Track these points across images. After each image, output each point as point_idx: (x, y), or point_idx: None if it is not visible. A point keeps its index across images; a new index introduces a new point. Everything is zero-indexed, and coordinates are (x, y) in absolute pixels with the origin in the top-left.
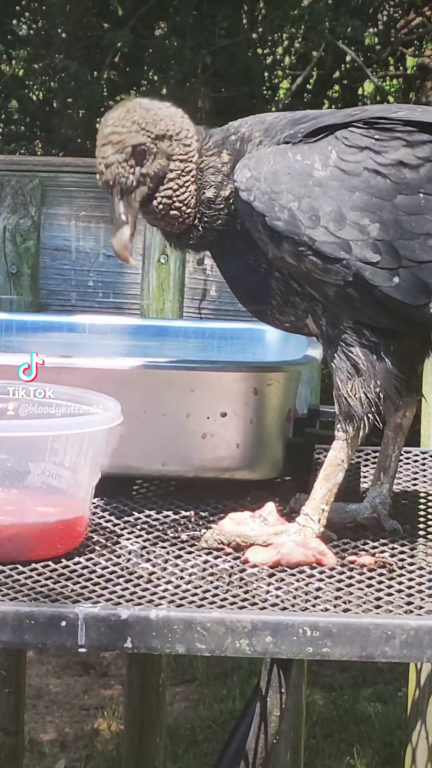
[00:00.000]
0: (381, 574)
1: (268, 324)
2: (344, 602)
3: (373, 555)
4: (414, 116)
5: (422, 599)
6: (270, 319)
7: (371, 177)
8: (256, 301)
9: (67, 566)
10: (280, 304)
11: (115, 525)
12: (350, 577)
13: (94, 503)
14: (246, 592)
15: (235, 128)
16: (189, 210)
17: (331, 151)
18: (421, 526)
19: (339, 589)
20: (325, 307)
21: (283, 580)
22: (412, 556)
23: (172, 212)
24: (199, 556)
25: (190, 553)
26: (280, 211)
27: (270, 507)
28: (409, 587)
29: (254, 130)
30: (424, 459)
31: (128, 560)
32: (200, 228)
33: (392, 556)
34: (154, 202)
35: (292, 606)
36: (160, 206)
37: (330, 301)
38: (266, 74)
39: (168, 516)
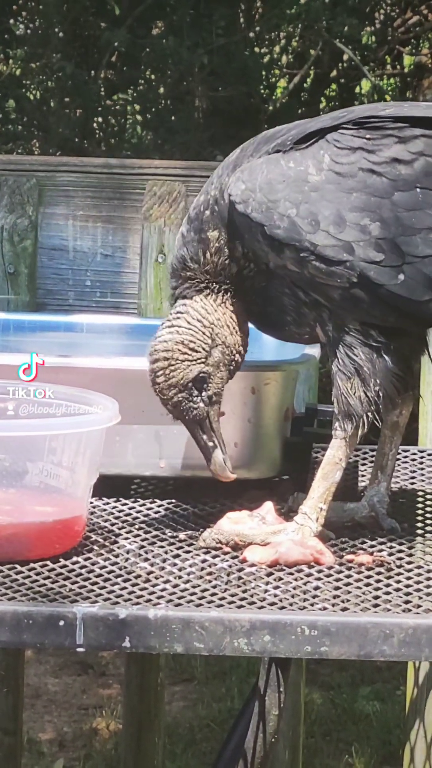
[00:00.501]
0: (379, 573)
1: (289, 341)
2: (342, 601)
3: (371, 554)
4: (402, 112)
5: (420, 598)
6: (289, 335)
7: (367, 177)
8: (276, 325)
9: (65, 566)
10: (294, 318)
11: (113, 524)
12: (348, 576)
13: (92, 503)
14: (244, 592)
15: (203, 200)
16: (240, 327)
17: (324, 154)
18: (419, 524)
19: (337, 588)
20: (332, 311)
21: (281, 579)
22: (410, 555)
23: (240, 350)
24: (198, 555)
25: (188, 552)
26: (279, 220)
27: (268, 506)
28: (407, 586)
29: (223, 175)
30: (422, 458)
31: (126, 560)
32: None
33: (390, 554)
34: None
35: (291, 605)
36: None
37: (336, 305)
38: (263, 73)
39: (166, 515)
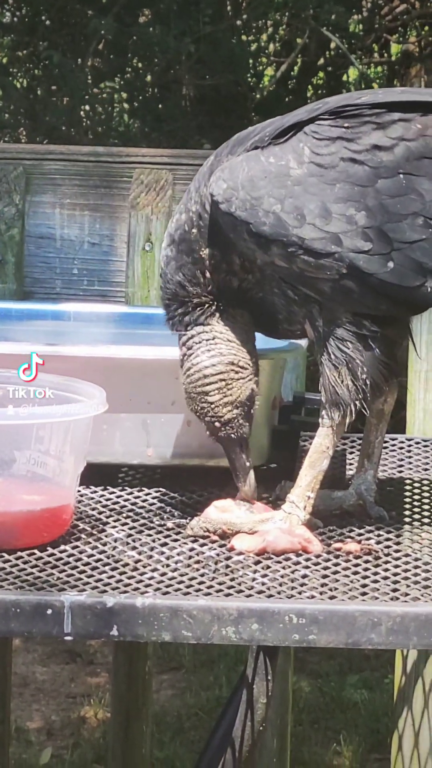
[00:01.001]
0: (367, 561)
1: (282, 338)
2: (330, 589)
3: (359, 542)
4: (378, 98)
5: (408, 586)
6: (282, 333)
7: (348, 166)
8: (270, 325)
9: (52, 554)
10: (285, 317)
11: (100, 513)
12: (336, 564)
13: (79, 491)
14: (232, 580)
15: (185, 219)
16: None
17: (304, 147)
18: (407, 512)
19: (325, 577)
20: (322, 305)
21: (269, 567)
22: (398, 543)
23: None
24: (185, 543)
25: (176, 540)
26: (264, 216)
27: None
28: (395, 574)
29: (201, 186)
30: (409, 446)
31: (114, 548)
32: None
33: (378, 543)
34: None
35: (278, 593)
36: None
37: (327, 298)
38: (251, 61)
39: (154, 504)
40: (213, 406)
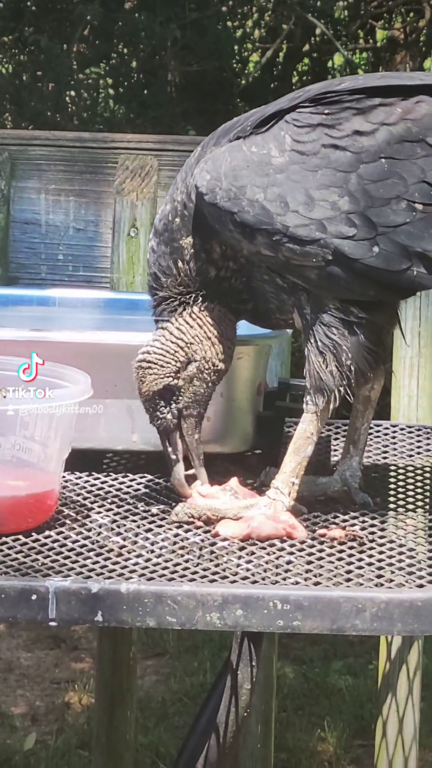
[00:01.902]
0: (351, 547)
1: (275, 328)
2: (315, 575)
3: (344, 528)
4: (358, 84)
5: (393, 572)
6: (275, 322)
7: (330, 152)
8: (264, 315)
9: (37, 540)
10: (277, 305)
11: (85, 498)
12: (321, 551)
13: (64, 477)
14: (217, 566)
15: (170, 208)
16: (221, 332)
17: (285, 135)
18: (392, 499)
19: (309, 563)
20: (310, 293)
21: (253, 553)
22: (382, 529)
23: (222, 358)
24: (170, 529)
25: (160, 526)
26: (248, 206)
27: (233, 482)
28: (380, 560)
29: (187, 177)
30: (394, 432)
31: (99, 534)
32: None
33: (363, 529)
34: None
35: (263, 579)
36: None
37: (314, 285)
38: (236, 47)
39: (138, 489)
40: (138, 393)
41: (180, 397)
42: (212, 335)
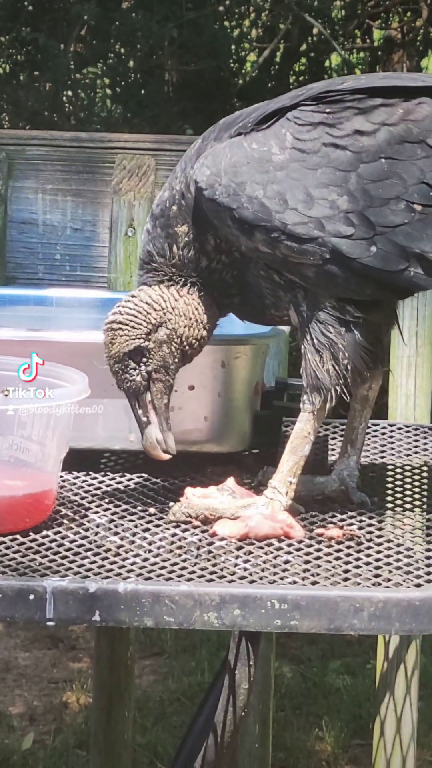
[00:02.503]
0: (349, 547)
1: (269, 324)
2: (312, 575)
3: (341, 528)
4: (360, 84)
5: (390, 572)
6: (270, 319)
7: (330, 151)
8: (257, 311)
9: (35, 540)
10: (273, 302)
11: (83, 498)
12: (318, 550)
13: (62, 476)
14: (214, 565)
15: (168, 195)
16: (201, 319)
17: (286, 133)
18: (389, 498)
19: (307, 562)
20: (307, 291)
21: (251, 553)
22: (380, 529)
23: (192, 342)
24: (168, 529)
25: (158, 526)
26: (247, 202)
27: (230, 481)
28: (377, 560)
29: (187, 167)
30: (391, 432)
31: (96, 533)
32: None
33: (360, 528)
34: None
35: (261, 579)
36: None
37: (311, 283)
38: (233, 47)
39: (136, 489)
40: (106, 359)
41: (150, 360)
42: (192, 317)
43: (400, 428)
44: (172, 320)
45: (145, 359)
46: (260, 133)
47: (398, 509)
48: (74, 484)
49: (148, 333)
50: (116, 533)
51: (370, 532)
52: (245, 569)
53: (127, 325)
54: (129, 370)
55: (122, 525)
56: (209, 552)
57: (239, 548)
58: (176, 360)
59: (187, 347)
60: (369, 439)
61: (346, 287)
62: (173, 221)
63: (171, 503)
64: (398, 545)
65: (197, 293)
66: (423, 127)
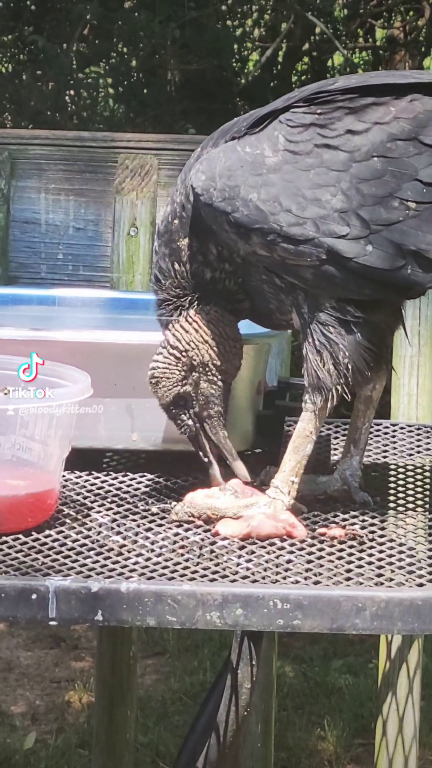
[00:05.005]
0: (351, 546)
1: (278, 329)
2: (315, 574)
3: (344, 527)
4: (351, 83)
5: (393, 571)
6: (276, 322)
7: (323, 152)
8: (264, 315)
9: (37, 539)
10: (277, 306)
11: (85, 498)
12: (321, 550)
13: (64, 476)
14: (216, 565)
15: (170, 210)
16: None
17: (278, 135)
18: (392, 498)
19: (309, 562)
20: (307, 292)
21: (253, 552)
22: (382, 528)
23: (225, 361)
24: (170, 528)
25: (160, 525)
26: (242, 206)
27: (233, 480)
28: (380, 559)
29: (187, 178)
30: (394, 431)
31: (99, 533)
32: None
33: (363, 528)
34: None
35: (263, 578)
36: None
37: (310, 284)
38: (236, 46)
39: (138, 489)
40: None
41: (194, 402)
42: (209, 337)
43: (402, 428)
44: (197, 355)
45: (190, 403)
46: (253, 137)
47: (401, 509)
48: (77, 483)
49: (183, 379)
50: (119, 533)
51: (372, 532)
52: (248, 569)
53: (162, 377)
54: (180, 417)
55: (124, 524)
56: (212, 551)
57: (242, 548)
58: (218, 387)
59: (223, 368)
60: (371, 438)
61: (345, 287)
62: (176, 235)
63: (173, 503)
64: (401, 545)
65: (206, 309)
66: (415, 124)
